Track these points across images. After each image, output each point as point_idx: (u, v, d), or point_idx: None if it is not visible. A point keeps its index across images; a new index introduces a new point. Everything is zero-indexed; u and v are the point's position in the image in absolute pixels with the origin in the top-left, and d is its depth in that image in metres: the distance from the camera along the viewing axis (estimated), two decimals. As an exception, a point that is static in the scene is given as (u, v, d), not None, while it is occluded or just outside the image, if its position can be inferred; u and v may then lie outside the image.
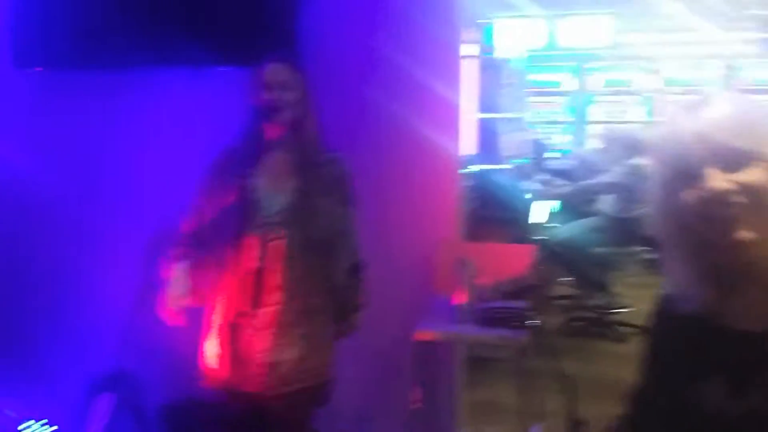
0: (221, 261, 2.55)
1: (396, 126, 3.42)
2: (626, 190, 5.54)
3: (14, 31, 3.82)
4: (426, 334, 3.03)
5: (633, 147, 5.56)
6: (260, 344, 2.51)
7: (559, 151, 8.59)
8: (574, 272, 5.75)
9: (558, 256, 5.50)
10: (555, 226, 6.18)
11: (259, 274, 2.50)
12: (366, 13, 3.50)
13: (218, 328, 2.55)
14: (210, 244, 2.54)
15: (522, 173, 6.25)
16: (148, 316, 3.39)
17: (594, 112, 9.06)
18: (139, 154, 3.84)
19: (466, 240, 3.54)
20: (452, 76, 3.45)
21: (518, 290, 2.94)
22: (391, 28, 3.45)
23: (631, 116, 8.93)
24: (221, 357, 2.56)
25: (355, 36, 3.50)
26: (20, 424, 3.51)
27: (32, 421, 3.56)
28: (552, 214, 6.32)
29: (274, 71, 2.54)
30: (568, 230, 5.76)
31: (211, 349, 2.57)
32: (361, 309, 2.68)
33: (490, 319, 3.00)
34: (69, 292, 3.94)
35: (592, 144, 8.78)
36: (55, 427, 3.50)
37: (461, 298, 3.08)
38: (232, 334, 2.54)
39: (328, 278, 2.58)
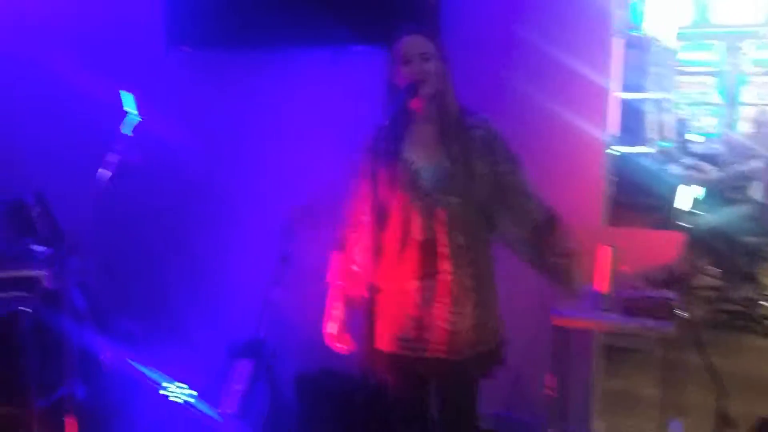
0: (387, 237, 2.55)
1: (539, 107, 3.32)
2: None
3: (167, 11, 3.96)
4: (564, 320, 2.94)
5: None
6: (437, 312, 2.52)
7: (706, 134, 8.15)
8: (721, 262, 5.46)
9: (705, 244, 5.23)
10: (700, 214, 5.87)
11: (427, 244, 2.50)
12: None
13: (388, 297, 2.54)
14: (374, 222, 2.55)
15: (666, 157, 5.96)
16: (285, 289, 3.52)
17: (745, 94, 8.51)
18: (281, 132, 3.92)
19: (608, 225, 3.41)
20: (602, 57, 3.31)
21: (667, 279, 2.79)
22: (538, 5, 3.35)
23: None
24: (395, 323, 2.58)
25: (498, 13, 3.43)
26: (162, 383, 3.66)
27: (174, 382, 3.68)
28: (697, 201, 6.00)
29: (412, 43, 2.50)
30: (715, 218, 5.46)
31: (379, 318, 2.56)
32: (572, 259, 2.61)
33: (633, 308, 2.87)
34: (210, 261, 4.08)
35: (743, 127, 8.28)
36: (194, 393, 3.62)
37: (603, 285, 2.97)
38: (404, 303, 2.56)
39: (505, 240, 2.58)
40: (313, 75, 3.84)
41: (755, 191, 5.43)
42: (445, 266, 2.49)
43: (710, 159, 6.52)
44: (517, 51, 3.40)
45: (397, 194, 2.50)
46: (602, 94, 3.34)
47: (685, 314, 2.84)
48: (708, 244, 5.24)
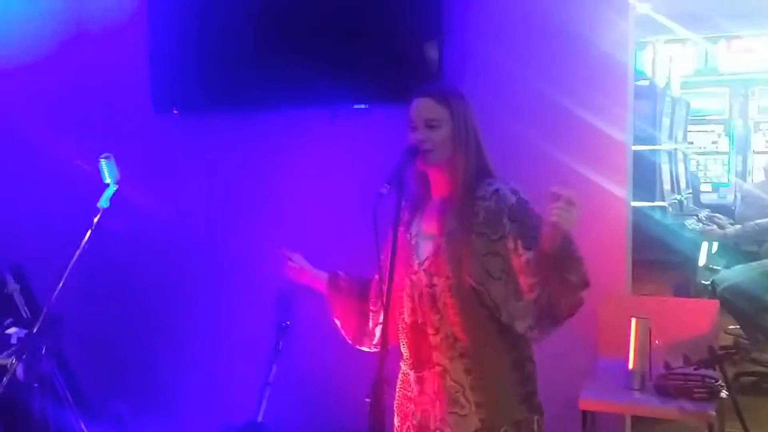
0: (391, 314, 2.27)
1: (557, 165, 3.09)
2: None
3: (153, 76, 3.75)
4: (593, 403, 2.65)
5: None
6: (434, 411, 2.23)
7: (717, 184, 7.93)
8: (744, 322, 5.16)
9: (726, 303, 4.95)
10: (717, 269, 5.61)
11: (416, 329, 2.24)
12: (523, 39, 3.21)
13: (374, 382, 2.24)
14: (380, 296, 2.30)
15: (680, 210, 5.71)
16: (283, 369, 3.24)
17: (755, 142, 8.30)
18: (277, 196, 3.67)
19: (633, 293, 3.14)
20: (621, 111, 3.09)
21: (709, 360, 2.51)
22: (553, 59, 3.15)
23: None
24: (399, 410, 2.33)
25: (515, 68, 3.22)
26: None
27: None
28: (712, 256, 5.75)
29: (420, 108, 2.26)
30: (736, 274, 5.19)
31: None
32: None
33: (669, 387, 2.59)
34: (202, 335, 3.80)
35: (754, 176, 8.05)
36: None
37: (634, 362, 2.69)
38: (406, 391, 2.30)
39: (501, 328, 2.19)
40: (310, 136, 3.61)
41: (779, 246, 5.17)
42: (435, 357, 2.21)
43: (724, 210, 6.27)
44: (534, 108, 3.18)
45: (396, 268, 2.19)
46: (621, 149, 3.11)
47: (726, 394, 2.55)
48: (731, 303, 4.96)
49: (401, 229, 2.26)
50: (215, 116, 3.73)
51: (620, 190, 3.08)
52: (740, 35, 7.79)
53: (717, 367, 2.54)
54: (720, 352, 2.56)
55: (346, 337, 2.46)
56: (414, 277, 2.24)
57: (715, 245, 5.73)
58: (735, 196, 7.35)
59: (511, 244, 2.13)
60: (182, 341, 3.86)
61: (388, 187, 2.13)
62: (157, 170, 3.83)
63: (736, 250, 5.90)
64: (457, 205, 2.22)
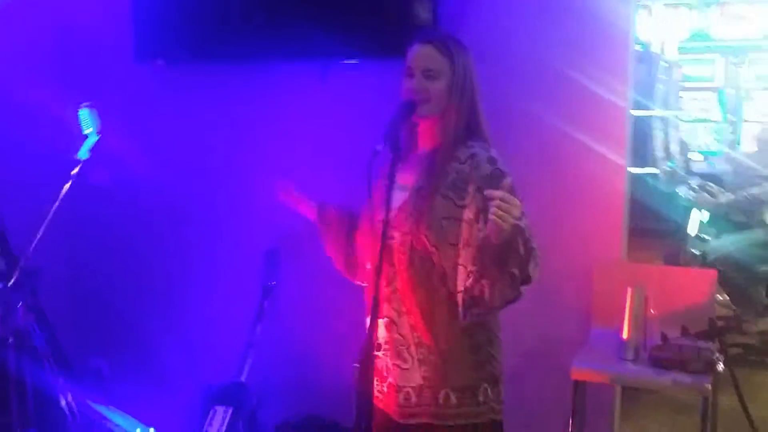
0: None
1: (553, 129, 3.00)
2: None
3: (136, 24, 3.59)
4: (586, 373, 2.59)
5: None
6: (384, 360, 2.17)
7: (708, 152, 7.87)
8: (734, 293, 5.13)
9: (718, 274, 4.90)
10: (707, 239, 5.57)
11: (374, 275, 2.09)
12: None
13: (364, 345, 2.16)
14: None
15: (672, 178, 5.65)
16: (267, 330, 3.17)
17: (748, 110, 8.21)
18: (266, 152, 3.56)
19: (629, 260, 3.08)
20: (622, 76, 2.99)
21: (708, 332, 2.45)
22: (552, 21, 3.04)
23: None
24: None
25: (509, 28, 3.10)
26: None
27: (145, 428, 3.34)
28: (703, 226, 5.70)
29: (419, 55, 2.15)
30: (727, 245, 5.15)
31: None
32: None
33: (664, 359, 2.53)
34: (187, 298, 3.71)
35: (746, 145, 7.99)
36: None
37: (628, 332, 2.62)
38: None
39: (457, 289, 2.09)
40: (301, 90, 3.49)
41: (770, 216, 5.12)
42: (385, 309, 2.14)
43: (715, 179, 6.22)
44: (531, 70, 3.07)
45: (373, 215, 2.16)
46: (621, 115, 3.01)
47: (723, 367, 2.50)
48: (721, 274, 4.92)
49: (384, 181, 2.14)
50: (202, 67, 3.58)
51: (618, 156, 2.99)
52: (732, 1, 7.66)
53: (716, 340, 2.48)
54: (720, 324, 2.50)
55: (340, 270, 2.42)
56: (380, 225, 2.11)
57: (707, 215, 5.68)
58: (726, 165, 7.31)
59: (469, 214, 2.03)
60: (166, 299, 3.77)
61: (383, 144, 2.04)
62: (140, 121, 3.69)
63: (726, 219, 5.87)
64: (432, 162, 2.13)
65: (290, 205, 2.47)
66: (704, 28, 7.89)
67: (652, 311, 2.65)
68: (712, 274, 2.83)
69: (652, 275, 2.86)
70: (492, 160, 2.10)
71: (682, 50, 7.30)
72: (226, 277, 3.62)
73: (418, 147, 2.23)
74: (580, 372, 2.58)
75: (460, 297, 2.03)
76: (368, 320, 2.14)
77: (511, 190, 1.90)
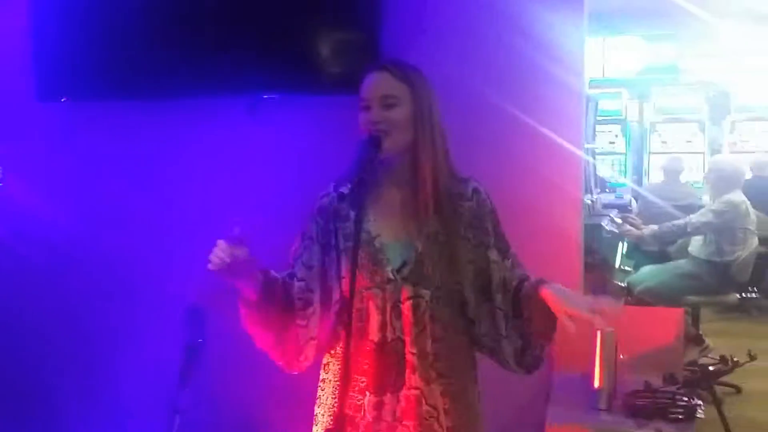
0: (338, 332, 1.96)
1: (506, 164, 2.84)
2: (722, 230, 4.91)
3: (38, 62, 3.24)
4: (562, 428, 2.39)
5: (730, 180, 4.94)
6: None
7: (614, 184, 7.97)
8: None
9: (643, 305, 4.85)
10: (628, 270, 5.55)
11: (386, 348, 1.90)
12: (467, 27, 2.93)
13: (335, 416, 1.89)
14: (324, 308, 1.96)
15: (593, 211, 5.61)
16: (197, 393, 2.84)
17: (654, 142, 8.38)
18: (188, 194, 3.25)
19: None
20: (575, 111, 2.87)
21: (704, 377, 2.29)
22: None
23: (696, 146, 8.26)
24: None
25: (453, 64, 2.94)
26: None
27: None
28: (623, 258, 5.69)
29: (374, 84, 1.93)
30: (652, 276, 5.12)
31: None
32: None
33: (641, 408, 2.36)
34: (100, 359, 3.33)
35: (654, 177, 8.14)
36: None
37: (600, 380, 2.45)
38: (356, 421, 1.92)
39: (470, 341, 1.98)
40: (220, 127, 3.22)
41: (695, 246, 5.11)
42: (412, 380, 1.89)
43: (621, 210, 6.25)
44: (477, 108, 2.91)
45: (352, 276, 1.82)
46: (575, 150, 2.88)
47: (702, 414, 2.34)
48: (648, 305, 4.87)
49: (345, 230, 1.93)
50: (111, 104, 3.26)
51: (575, 188, 2.85)
52: (629, 33, 7.83)
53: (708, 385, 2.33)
54: (711, 369, 2.36)
55: (277, 360, 2.01)
56: (388, 287, 1.90)
57: (625, 246, 5.67)
58: (634, 196, 7.40)
59: (494, 255, 1.89)
60: (76, 361, 3.37)
61: (335, 189, 1.86)
62: (45, 166, 3.32)
63: (640, 250, 5.88)
64: (435, 204, 1.91)
65: (228, 276, 1.86)
66: (606, 62, 8.04)
67: (621, 356, 2.49)
68: (679, 312, 2.70)
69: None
70: (487, 193, 1.98)
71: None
72: (144, 336, 3.25)
73: (383, 190, 1.96)
74: (556, 428, 2.38)
75: (506, 344, 1.91)
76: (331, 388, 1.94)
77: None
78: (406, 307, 1.89)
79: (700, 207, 5.51)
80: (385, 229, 1.93)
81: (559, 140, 2.83)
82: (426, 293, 1.89)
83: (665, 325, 2.64)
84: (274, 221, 3.03)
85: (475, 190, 1.96)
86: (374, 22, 2.98)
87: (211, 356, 2.98)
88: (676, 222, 5.10)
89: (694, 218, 4.99)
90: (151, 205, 3.31)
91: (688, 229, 4.99)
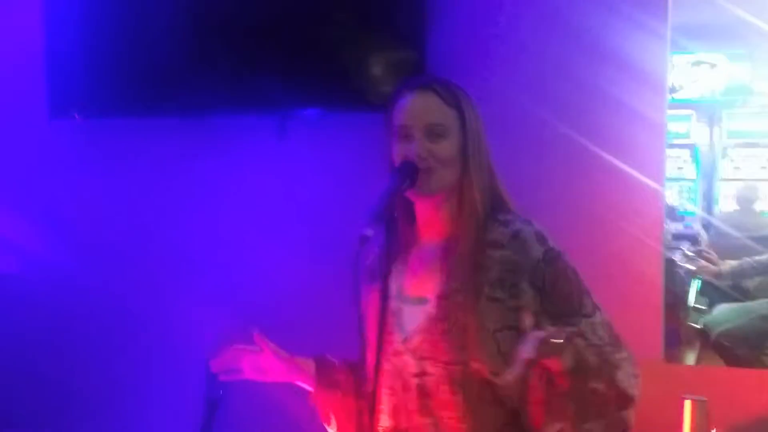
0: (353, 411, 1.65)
1: (576, 211, 2.44)
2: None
3: (50, 78, 2.95)
4: None
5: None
6: None
7: (683, 212, 7.44)
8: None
9: (723, 350, 4.34)
10: (705, 310, 5.02)
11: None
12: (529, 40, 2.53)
13: None
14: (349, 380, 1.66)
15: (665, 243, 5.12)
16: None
17: (725, 167, 7.82)
18: (209, 225, 2.90)
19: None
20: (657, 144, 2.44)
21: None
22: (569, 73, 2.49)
23: (770, 173, 7.68)
24: None
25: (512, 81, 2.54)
26: None
27: None
28: (697, 296, 5.17)
29: (418, 107, 1.55)
30: (732, 317, 4.59)
31: None
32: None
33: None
34: (110, 411, 2.98)
35: (725, 206, 7.56)
36: None
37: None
38: None
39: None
40: (250, 148, 2.87)
41: (778, 285, 4.59)
42: None
43: (690, 240, 5.74)
44: (538, 135, 2.51)
45: (367, 343, 1.55)
46: (656, 194, 2.46)
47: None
48: (728, 351, 4.36)
49: (374, 285, 1.57)
50: (129, 122, 2.94)
51: (654, 240, 2.43)
52: (697, 51, 7.32)
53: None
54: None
55: None
56: (396, 361, 1.53)
57: (699, 282, 5.17)
58: (701, 226, 6.87)
59: (528, 320, 1.41)
60: (81, 412, 3.03)
61: (372, 228, 1.42)
62: (54, 185, 3.01)
63: (715, 287, 5.36)
64: (460, 255, 1.52)
65: (262, 376, 1.66)
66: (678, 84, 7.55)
67: (714, 431, 2.04)
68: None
69: (702, 379, 2.26)
70: (541, 237, 1.53)
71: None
72: (162, 390, 2.90)
73: (417, 240, 1.61)
74: None
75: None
76: None
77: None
78: (414, 386, 1.51)
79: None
80: (409, 285, 1.56)
81: (639, 176, 2.42)
82: (436, 370, 1.50)
83: (764, 391, 2.18)
84: (309, 260, 2.72)
85: (516, 235, 1.52)
86: (420, 31, 2.62)
87: (231, 410, 2.65)
88: (758, 258, 4.56)
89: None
90: (169, 238, 2.97)
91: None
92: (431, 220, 1.58)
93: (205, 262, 2.87)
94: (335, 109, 2.72)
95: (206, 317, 2.79)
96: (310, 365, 1.67)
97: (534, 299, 1.48)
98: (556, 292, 1.50)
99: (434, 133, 1.53)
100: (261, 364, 1.63)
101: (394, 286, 1.57)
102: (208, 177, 2.92)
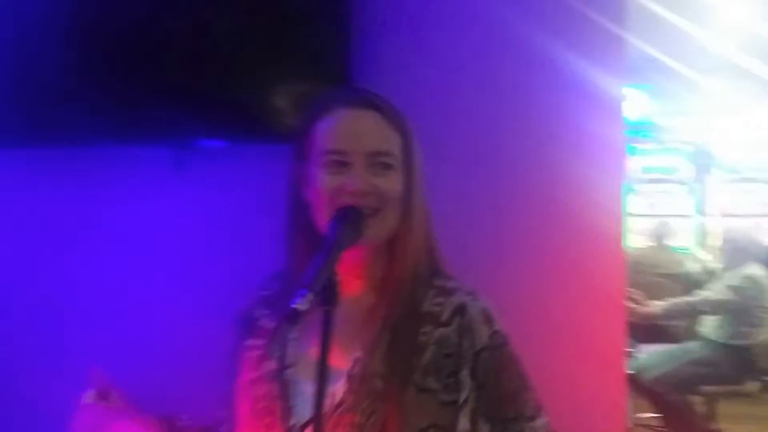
0: None
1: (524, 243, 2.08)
2: (740, 310, 4.23)
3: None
4: None
5: (747, 251, 4.27)
6: None
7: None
8: (672, 417, 4.32)
9: (653, 396, 4.13)
10: (633, 353, 4.82)
11: None
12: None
13: None
14: None
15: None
16: None
17: (634, 203, 7.73)
18: (111, 256, 2.42)
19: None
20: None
21: None
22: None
23: (679, 208, 7.62)
24: None
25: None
26: None
27: None
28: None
29: (358, 126, 1.22)
30: (660, 362, 4.39)
31: None
32: None
33: None
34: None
35: (637, 241, 7.48)
36: None
37: None
38: None
39: None
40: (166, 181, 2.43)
41: (706, 327, 4.42)
42: None
43: None
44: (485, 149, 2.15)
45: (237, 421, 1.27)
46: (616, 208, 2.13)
47: None
48: (658, 397, 4.14)
49: (263, 342, 1.29)
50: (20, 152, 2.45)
51: (617, 294, 2.10)
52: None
53: None
54: None
55: None
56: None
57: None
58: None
59: (464, 425, 1.17)
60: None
61: (309, 295, 1.05)
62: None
63: (639, 327, 5.19)
64: (388, 326, 1.20)
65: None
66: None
67: None
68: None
69: None
70: (488, 316, 1.24)
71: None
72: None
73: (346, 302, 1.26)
74: None
75: None
76: None
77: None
78: None
79: (687, 275, 4.88)
80: (310, 351, 1.20)
81: (598, 198, 2.06)
82: None
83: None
84: (205, 306, 2.32)
85: (460, 310, 1.22)
86: (341, 52, 2.24)
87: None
88: (688, 299, 4.40)
89: (711, 295, 4.29)
90: (47, 280, 2.48)
91: (704, 308, 4.30)
92: (353, 272, 1.24)
93: (86, 304, 2.40)
94: (240, 140, 2.32)
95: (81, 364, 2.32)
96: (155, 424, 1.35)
97: (471, 394, 1.19)
98: (500, 389, 1.23)
99: (379, 163, 1.21)
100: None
101: (292, 349, 1.24)
102: (91, 214, 2.45)
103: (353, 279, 1.24)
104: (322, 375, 1.08)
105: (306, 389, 1.17)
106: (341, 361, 1.19)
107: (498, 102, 2.12)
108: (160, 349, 2.33)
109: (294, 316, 1.03)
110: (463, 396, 1.18)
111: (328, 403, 1.16)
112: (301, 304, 1.03)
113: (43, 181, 2.44)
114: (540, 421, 1.26)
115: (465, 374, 1.18)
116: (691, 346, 4.46)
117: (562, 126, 2.08)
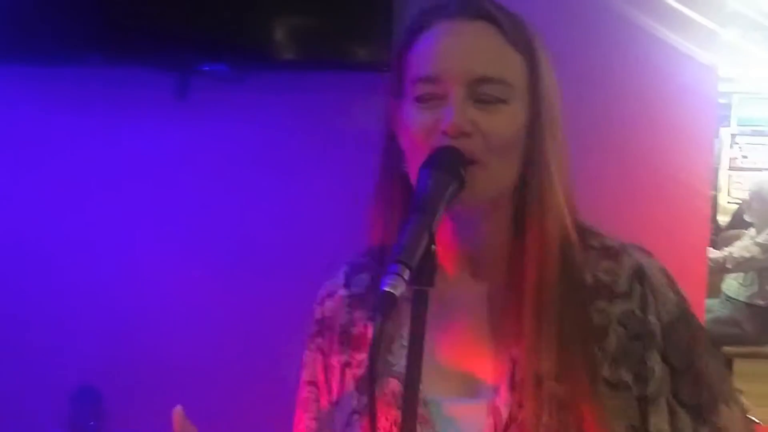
0: None
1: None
2: (766, 268, 4.07)
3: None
4: None
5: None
6: None
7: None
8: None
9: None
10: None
11: None
12: None
13: None
14: None
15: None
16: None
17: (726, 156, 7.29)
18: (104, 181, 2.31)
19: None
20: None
21: None
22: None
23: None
24: None
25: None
26: None
27: None
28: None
29: (455, 43, 0.94)
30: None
31: None
32: None
33: None
34: None
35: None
36: None
37: None
38: None
39: None
40: (143, 112, 2.29)
41: (731, 286, 4.27)
42: None
43: None
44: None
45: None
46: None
47: None
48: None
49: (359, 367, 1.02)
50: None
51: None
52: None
53: None
54: None
55: None
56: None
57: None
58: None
59: (662, 423, 0.92)
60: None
61: (403, 270, 0.79)
62: None
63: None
64: (544, 307, 0.93)
65: None
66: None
67: None
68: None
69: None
70: (669, 277, 0.99)
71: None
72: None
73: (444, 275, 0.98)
74: None
75: None
76: None
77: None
78: None
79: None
80: (443, 371, 0.97)
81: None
82: None
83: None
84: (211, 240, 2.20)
85: (638, 274, 0.96)
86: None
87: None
88: (712, 256, 4.23)
89: (735, 252, 4.12)
90: (39, 219, 2.36)
91: (728, 265, 4.14)
92: (464, 247, 0.98)
93: (76, 250, 2.28)
94: (247, 66, 2.17)
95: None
96: None
97: (663, 382, 0.94)
98: (694, 370, 0.96)
99: (486, 94, 0.92)
100: None
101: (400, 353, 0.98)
102: (87, 138, 2.32)
103: (464, 257, 0.98)
104: (412, 387, 0.84)
105: (444, 415, 0.93)
106: (480, 366, 0.95)
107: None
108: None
109: (389, 303, 0.77)
110: (652, 387, 0.93)
111: (490, 423, 0.92)
112: (393, 286, 0.77)
113: (35, 100, 2.30)
114: (737, 408, 0.98)
115: (655, 358, 0.93)
116: (712, 304, 4.32)
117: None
